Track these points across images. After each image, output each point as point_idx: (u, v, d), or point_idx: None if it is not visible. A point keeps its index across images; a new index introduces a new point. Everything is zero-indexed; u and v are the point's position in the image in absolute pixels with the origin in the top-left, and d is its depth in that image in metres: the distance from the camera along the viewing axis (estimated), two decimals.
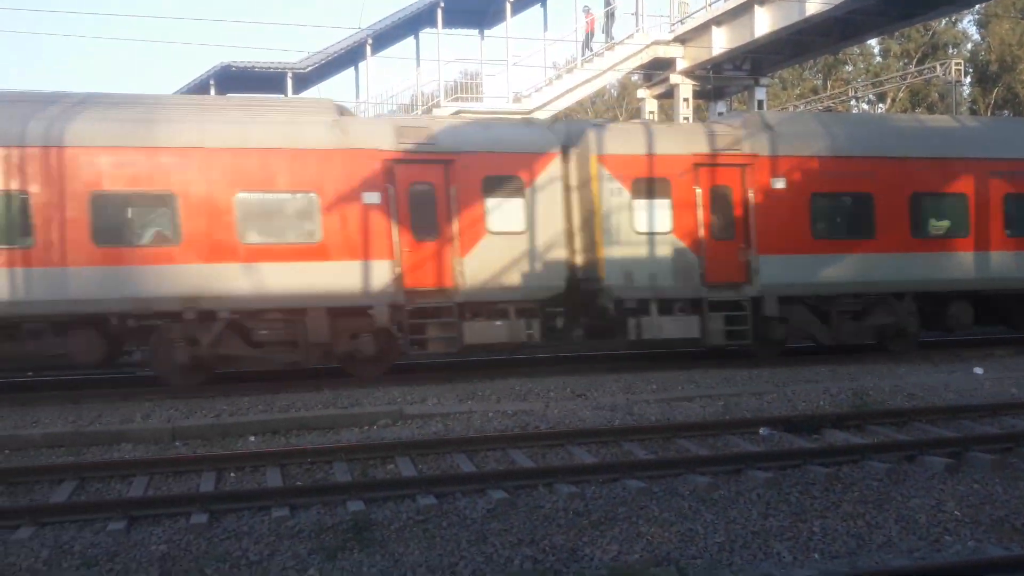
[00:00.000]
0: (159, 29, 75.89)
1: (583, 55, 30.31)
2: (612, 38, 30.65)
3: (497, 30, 31.22)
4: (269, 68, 28.52)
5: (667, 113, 35.13)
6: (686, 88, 30.93)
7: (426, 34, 30.74)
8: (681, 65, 30.61)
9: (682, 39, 30.38)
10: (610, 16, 30.92)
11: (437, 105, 28.67)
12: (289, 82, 28.81)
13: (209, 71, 28.28)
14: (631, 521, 8.05)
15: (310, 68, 28.90)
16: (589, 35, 30.55)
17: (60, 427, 11.49)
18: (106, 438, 11.13)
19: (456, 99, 29.68)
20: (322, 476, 9.72)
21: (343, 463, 9.96)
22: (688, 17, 30.60)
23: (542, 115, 27.66)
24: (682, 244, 15.81)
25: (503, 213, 15.12)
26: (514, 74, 29.94)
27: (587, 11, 30.67)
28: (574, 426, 11.51)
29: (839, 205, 16.90)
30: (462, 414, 12.26)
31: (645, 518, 8.12)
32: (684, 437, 10.90)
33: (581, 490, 8.84)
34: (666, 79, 31.13)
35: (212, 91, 28.23)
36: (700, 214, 15.87)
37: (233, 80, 28.91)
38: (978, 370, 15.26)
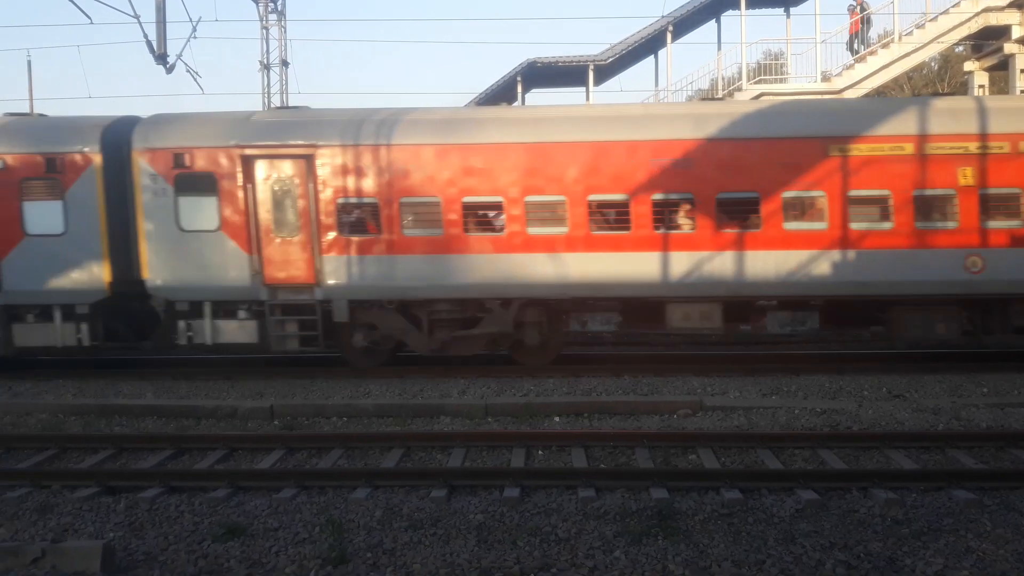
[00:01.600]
0: (469, 30, 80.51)
1: (900, 29, 28.06)
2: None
3: (804, 8, 29.74)
4: (572, 62, 29.25)
5: (999, 86, 31.67)
6: (1023, 58, 27.67)
7: (728, 16, 30.02)
8: (1017, 33, 27.43)
9: (1019, 4, 27.20)
10: None
11: (739, 88, 27.95)
12: (590, 74, 29.39)
13: (516, 68, 29.53)
14: (958, 534, 7.43)
15: (611, 59, 29.26)
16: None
17: (388, 399, 12.62)
18: (428, 411, 12.07)
19: (759, 81, 28.75)
20: (624, 461, 9.89)
21: (645, 449, 10.07)
22: None
23: (851, 94, 26.02)
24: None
25: None
26: (823, 52, 28.37)
27: None
28: (891, 429, 10.79)
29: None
30: (766, 409, 11.92)
31: (975, 532, 7.46)
32: (1021, 447, 9.86)
33: (900, 497, 8.28)
34: (999, 49, 28.06)
35: (519, 88, 29.47)
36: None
37: (538, 76, 29.99)
38: None
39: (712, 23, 30.52)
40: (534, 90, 31.97)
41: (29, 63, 44.74)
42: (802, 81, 28.37)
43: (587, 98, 29.12)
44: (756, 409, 11.90)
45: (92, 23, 19.39)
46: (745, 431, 10.71)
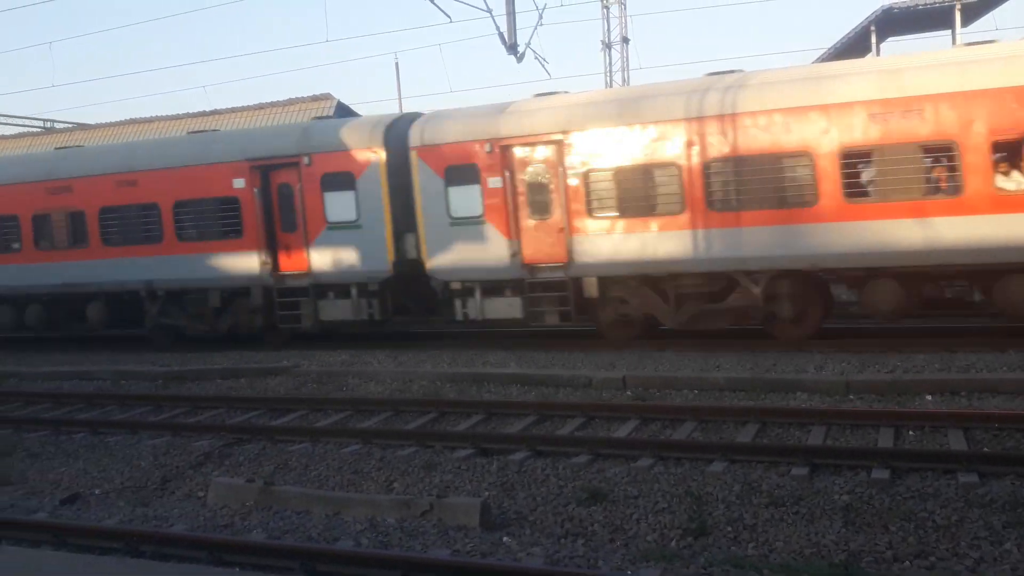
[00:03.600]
0: None
1: None
2: None
3: None
4: (934, 3, 26.58)
5: None
6: None
7: None
8: None
9: None
10: None
11: None
12: (957, 16, 26.51)
13: (869, 17, 27.45)
14: None
15: None
16: None
17: (740, 372, 12.40)
18: (783, 386, 11.69)
19: None
20: (1013, 445, 8.88)
21: None
22: None
23: None
24: None
25: None
26: None
27: None
28: None
29: None
30: None
31: None
32: None
33: None
34: None
35: (872, 37, 27.38)
36: None
37: (895, 23, 27.64)
38: None
39: None
40: (890, 39, 29.54)
41: (396, 64, 49.50)
42: None
43: (952, 43, 26.31)
44: None
45: (451, 21, 20.95)
46: None
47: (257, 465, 10.17)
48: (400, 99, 48.30)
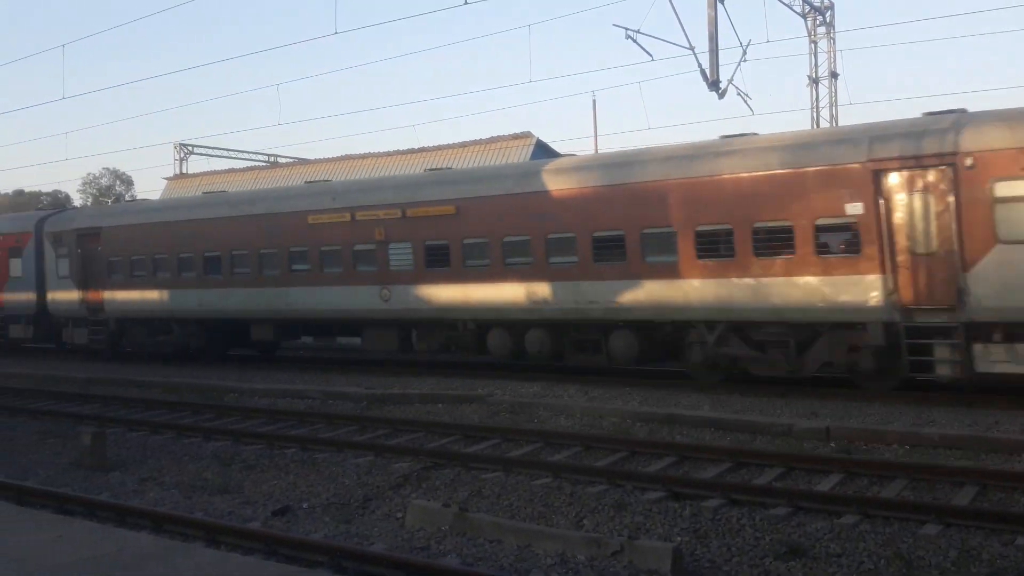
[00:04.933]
0: None
1: None
2: None
3: None
4: None
5: None
6: None
7: None
8: None
9: None
10: None
11: None
12: None
13: None
14: None
15: None
16: None
17: (956, 429, 11.53)
18: (1007, 447, 10.77)
19: None
20: None
21: None
22: None
23: None
24: None
25: None
26: None
27: None
28: None
29: None
30: None
31: None
32: None
33: None
34: None
35: None
36: None
37: None
38: None
39: None
40: None
41: (594, 102, 50.18)
42: None
43: None
44: None
45: (652, 59, 21.01)
46: None
47: (452, 490, 10.45)
48: (596, 136, 48.90)
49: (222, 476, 11.66)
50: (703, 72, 23.48)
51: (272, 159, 44.62)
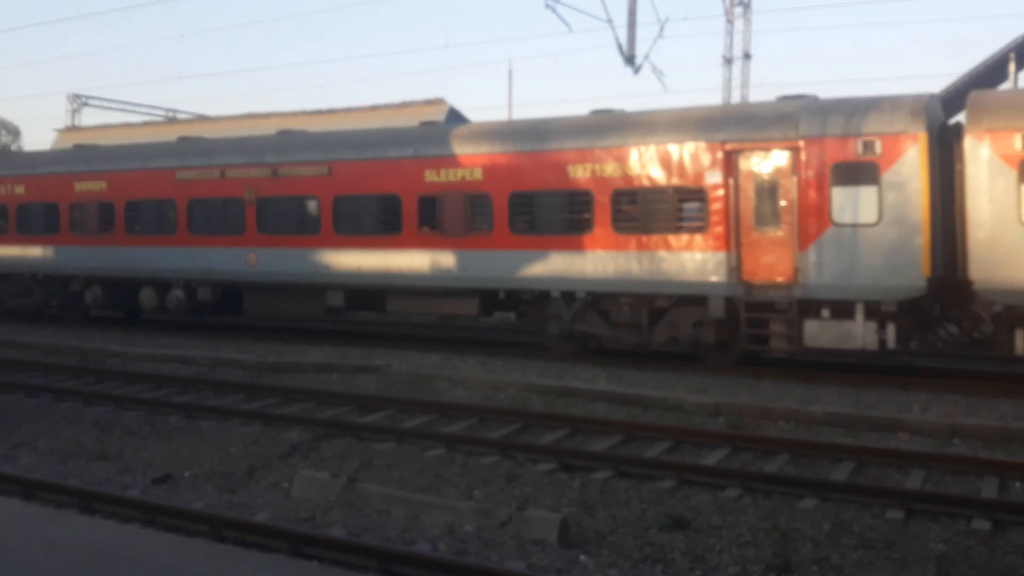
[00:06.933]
0: (949, 6, 73.14)
1: None
2: None
3: None
4: None
5: None
6: None
7: None
8: None
9: None
10: None
11: None
12: None
13: (1009, 44, 26.12)
14: None
15: None
16: None
17: (840, 407, 11.92)
18: (884, 424, 11.20)
19: None
20: None
21: None
22: None
23: None
24: None
25: None
26: None
27: None
28: None
29: None
30: None
31: None
32: None
33: None
34: None
35: (1011, 66, 26.06)
36: None
37: None
38: None
39: None
40: None
41: (510, 72, 49.91)
42: None
43: None
44: None
45: (571, 31, 20.93)
46: None
47: (342, 461, 10.29)
48: (511, 106, 48.66)
49: (101, 442, 11.22)
50: (620, 47, 23.53)
51: (172, 114, 43.00)
